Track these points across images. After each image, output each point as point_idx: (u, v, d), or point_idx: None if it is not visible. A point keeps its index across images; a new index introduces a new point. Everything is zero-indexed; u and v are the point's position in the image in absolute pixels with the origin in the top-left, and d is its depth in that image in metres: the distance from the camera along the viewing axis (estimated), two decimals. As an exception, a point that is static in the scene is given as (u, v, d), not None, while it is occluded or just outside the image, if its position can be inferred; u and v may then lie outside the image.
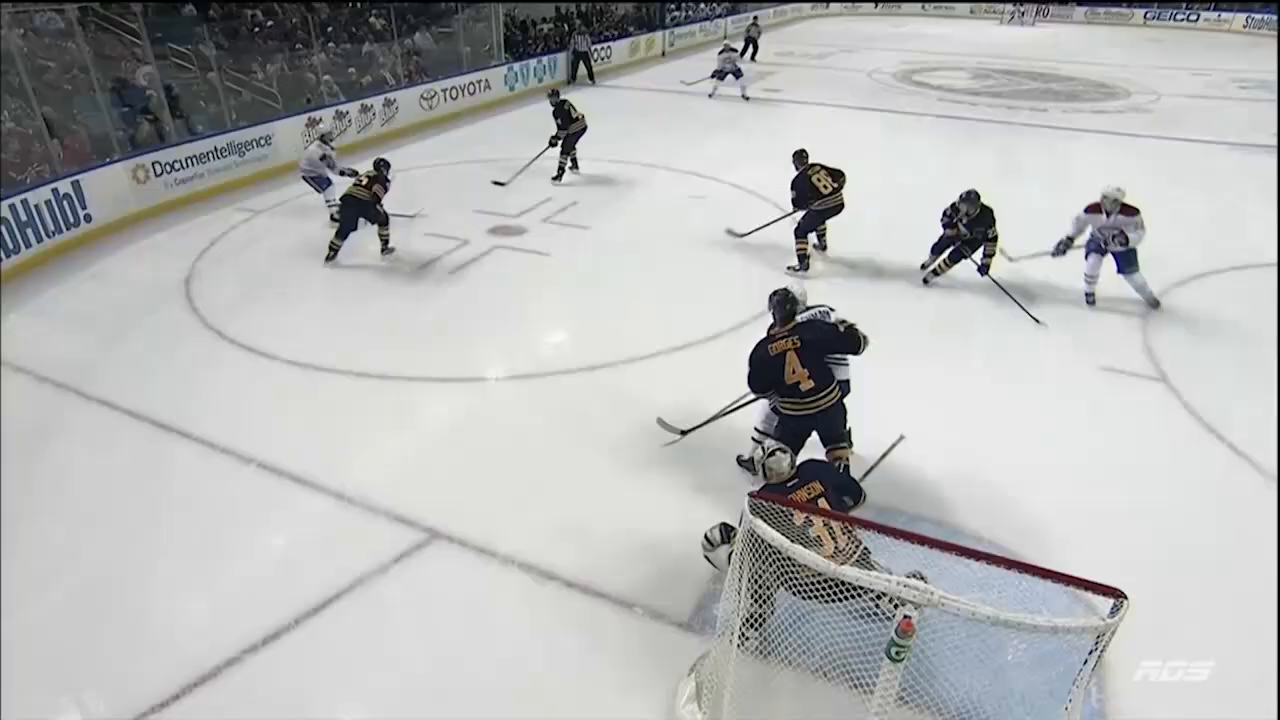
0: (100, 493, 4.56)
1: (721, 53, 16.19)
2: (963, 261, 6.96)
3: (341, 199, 7.69)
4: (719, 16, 25.21)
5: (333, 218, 8.51)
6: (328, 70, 12.59)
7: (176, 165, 9.32)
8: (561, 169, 10.14)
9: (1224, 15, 28.94)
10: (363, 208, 7.53)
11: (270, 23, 12.64)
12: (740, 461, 4.61)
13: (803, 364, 3.87)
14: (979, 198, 6.60)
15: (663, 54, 21.35)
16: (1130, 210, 6.33)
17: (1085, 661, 2.26)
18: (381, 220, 7.68)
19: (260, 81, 11.62)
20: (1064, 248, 6.70)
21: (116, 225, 8.57)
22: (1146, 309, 6.57)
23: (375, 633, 3.59)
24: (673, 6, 23.81)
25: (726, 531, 3.53)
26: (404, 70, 13.65)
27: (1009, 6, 32.69)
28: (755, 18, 21.70)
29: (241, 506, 4.42)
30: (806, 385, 3.87)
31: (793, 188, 7.33)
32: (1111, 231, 6.38)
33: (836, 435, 4.16)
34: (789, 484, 3.33)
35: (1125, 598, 2.14)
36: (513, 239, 8.28)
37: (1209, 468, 4.71)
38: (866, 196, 7.93)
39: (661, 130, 13.01)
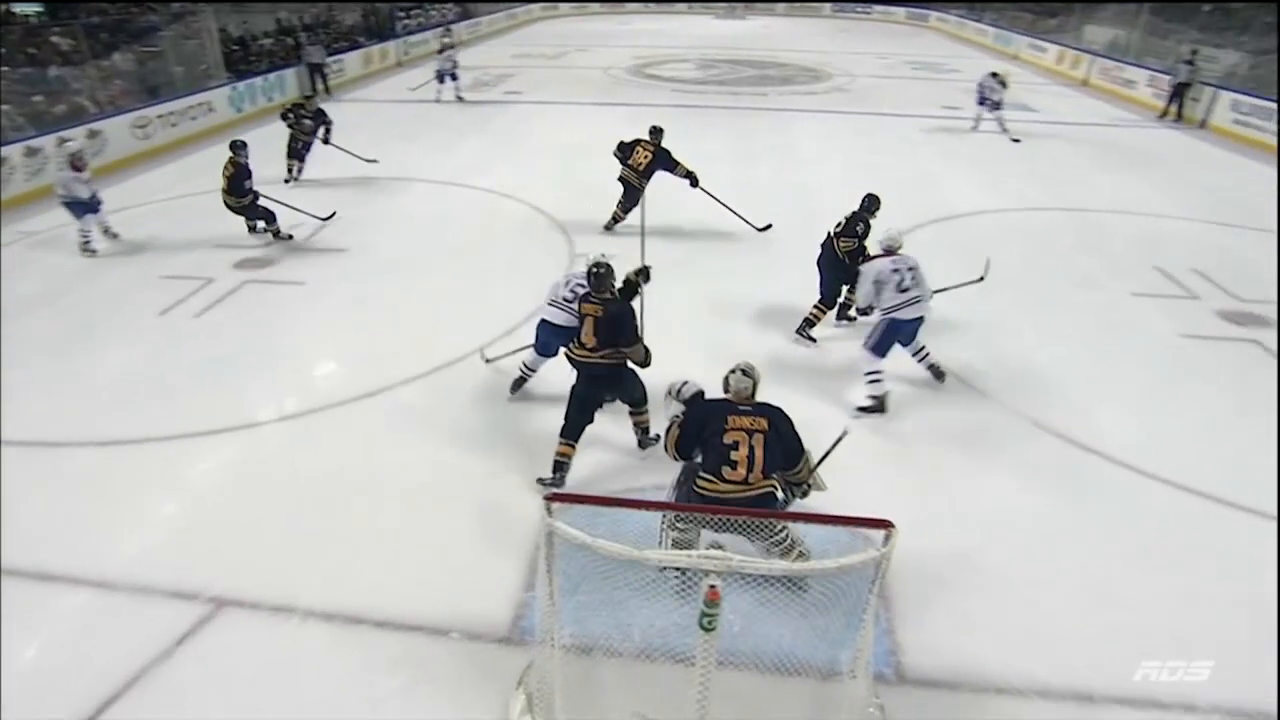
0: None
1: (440, 52, 16.09)
2: None
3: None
4: (451, 22, 24.74)
5: (85, 246, 7.80)
6: (6, 99, 10.59)
7: None
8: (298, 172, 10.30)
9: (890, 9, 34.62)
10: (245, 213, 7.94)
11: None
12: (512, 387, 5.34)
13: (595, 332, 4.37)
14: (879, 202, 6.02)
15: (398, 63, 20.53)
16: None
17: (870, 590, 2.51)
18: (266, 218, 7.98)
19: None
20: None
21: None
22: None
23: (172, 725, 3.13)
24: (402, 14, 23.00)
25: (694, 398, 3.75)
26: (106, 95, 11.85)
27: (722, 5, 35.59)
28: (448, 28, 21.58)
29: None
30: (590, 344, 4.40)
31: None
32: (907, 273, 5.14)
33: (630, 399, 4.65)
34: (741, 407, 3.42)
35: (893, 527, 2.40)
36: (263, 271, 7.54)
37: (947, 405, 5.36)
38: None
39: (408, 140, 12.52)
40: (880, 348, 5.17)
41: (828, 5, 36.42)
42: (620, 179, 8.07)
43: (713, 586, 2.31)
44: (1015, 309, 6.63)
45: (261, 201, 8.02)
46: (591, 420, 4.53)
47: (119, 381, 5.65)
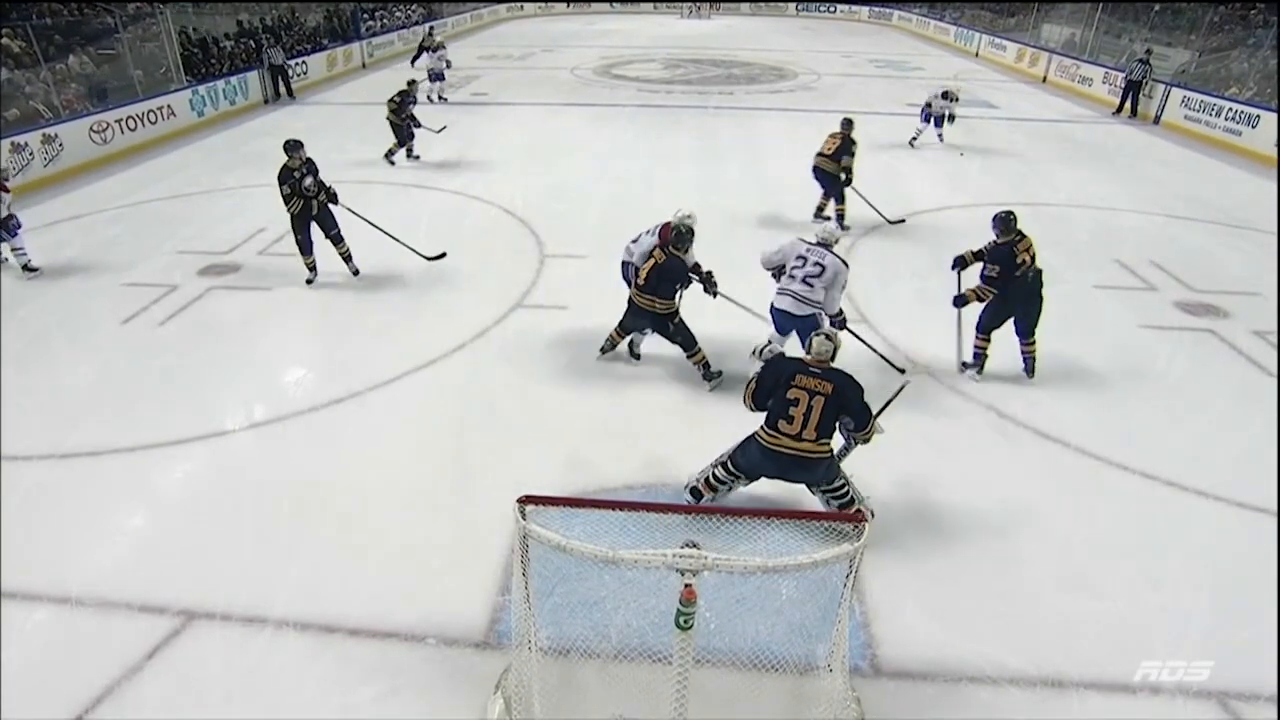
0: None
1: (434, 51, 15.88)
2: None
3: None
4: (417, 24, 24.48)
5: (26, 267, 7.31)
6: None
7: None
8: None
9: (854, 8, 35.04)
10: (308, 219, 6.93)
11: None
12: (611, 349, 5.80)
13: (648, 273, 5.10)
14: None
15: (363, 65, 20.30)
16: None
17: (844, 584, 2.53)
18: (301, 247, 7.08)
19: None
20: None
21: None
22: None
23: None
24: (366, 16, 22.71)
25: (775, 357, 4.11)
26: (61, 99, 11.49)
27: (687, 5, 35.71)
28: (431, 28, 21.38)
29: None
30: (641, 281, 5.14)
31: None
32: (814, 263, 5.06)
33: (674, 341, 5.27)
34: (812, 369, 3.65)
35: (865, 520, 2.42)
36: (227, 278, 7.39)
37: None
38: (590, 182, 8.17)
39: (374, 143, 12.34)
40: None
41: (792, 4, 36.67)
42: (814, 168, 8.32)
43: (688, 585, 2.31)
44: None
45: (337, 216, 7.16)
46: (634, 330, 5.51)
47: (80, 392, 5.50)
